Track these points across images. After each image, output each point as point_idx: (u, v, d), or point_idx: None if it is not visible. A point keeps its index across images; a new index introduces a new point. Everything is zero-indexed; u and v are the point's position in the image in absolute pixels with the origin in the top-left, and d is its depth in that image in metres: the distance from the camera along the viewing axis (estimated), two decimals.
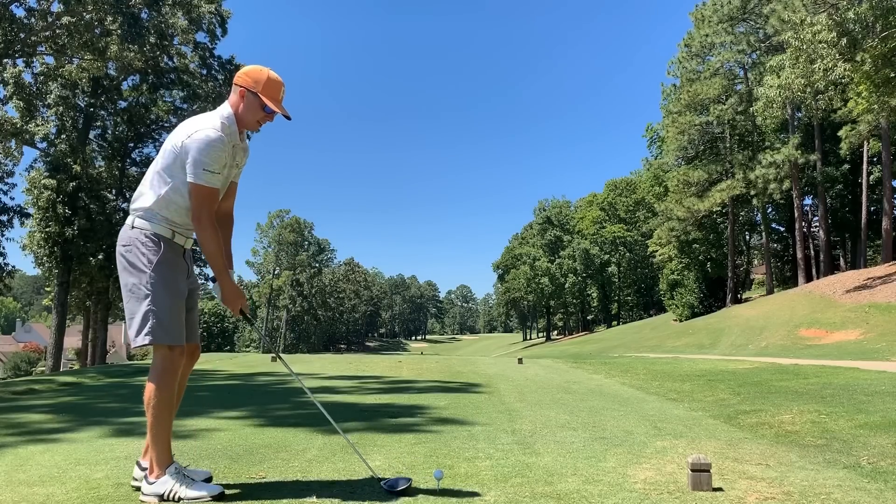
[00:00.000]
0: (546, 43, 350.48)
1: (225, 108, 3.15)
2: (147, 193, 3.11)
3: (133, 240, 3.09)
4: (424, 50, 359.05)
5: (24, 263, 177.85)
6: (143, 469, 3.20)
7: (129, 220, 3.16)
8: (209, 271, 3.27)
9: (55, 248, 30.25)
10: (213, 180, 3.03)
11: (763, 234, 50.39)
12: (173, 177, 3.05)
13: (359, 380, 9.74)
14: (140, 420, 3.20)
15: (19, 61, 26.53)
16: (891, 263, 33.24)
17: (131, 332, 3.07)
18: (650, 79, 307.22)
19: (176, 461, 3.09)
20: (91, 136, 33.97)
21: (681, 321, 48.04)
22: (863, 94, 27.00)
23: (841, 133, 35.49)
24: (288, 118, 3.21)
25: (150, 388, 3.04)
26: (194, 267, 3.44)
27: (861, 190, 41.68)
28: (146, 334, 2.99)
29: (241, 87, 3.13)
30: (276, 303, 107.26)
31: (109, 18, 25.74)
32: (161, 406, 3.02)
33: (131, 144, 35.72)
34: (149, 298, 3.01)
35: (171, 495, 2.96)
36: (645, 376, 10.22)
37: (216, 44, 34.18)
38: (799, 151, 39.04)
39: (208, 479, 3.25)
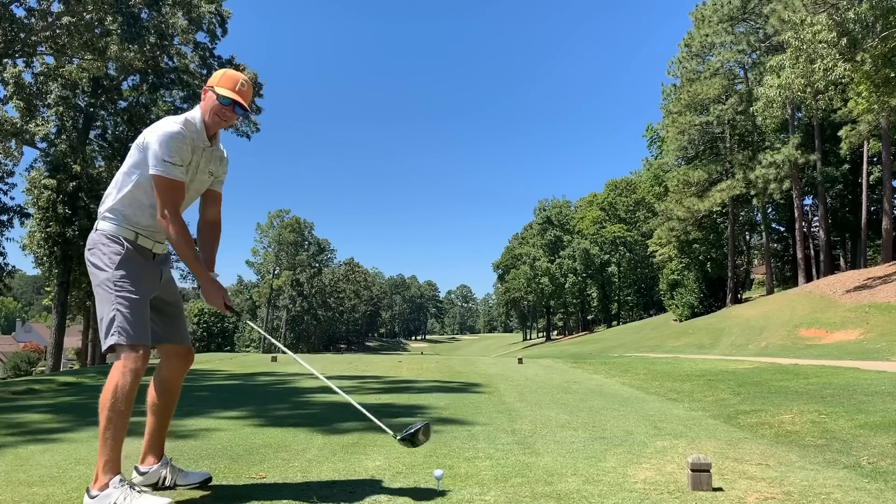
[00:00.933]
0: (545, 44, 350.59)
1: (195, 111, 3.18)
2: (112, 194, 3.10)
3: (96, 242, 3.06)
4: (425, 51, 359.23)
5: (24, 263, 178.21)
6: (142, 474, 3.17)
7: (95, 224, 3.14)
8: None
9: (55, 248, 30.26)
10: (174, 171, 2.99)
11: (763, 234, 50.39)
12: (138, 174, 3.04)
13: (359, 380, 9.74)
14: (139, 420, 3.17)
15: (19, 61, 26.55)
16: (891, 263, 33.24)
17: (101, 334, 2.99)
18: (650, 79, 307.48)
19: (122, 473, 2.88)
20: (91, 136, 33.97)
21: (681, 321, 48.04)
22: (863, 94, 26.99)
23: (841, 133, 35.48)
24: (243, 107, 3.13)
25: (108, 389, 2.85)
26: (169, 271, 3.34)
27: (861, 190, 41.68)
28: (111, 334, 2.90)
29: (204, 89, 3.19)
30: (276, 303, 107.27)
31: (109, 18, 25.75)
32: (117, 408, 2.83)
33: (131, 144, 35.69)
34: (111, 298, 2.94)
35: None
36: (645, 376, 10.22)
37: (216, 44, 34.20)
38: (799, 151, 39.04)
39: (207, 480, 3.24)
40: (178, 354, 3.26)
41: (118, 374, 2.87)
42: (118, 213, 3.07)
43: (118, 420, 2.84)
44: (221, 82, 3.13)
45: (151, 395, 3.23)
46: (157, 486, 3.17)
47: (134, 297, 2.97)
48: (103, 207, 3.12)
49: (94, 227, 3.11)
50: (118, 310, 2.92)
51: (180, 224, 3.03)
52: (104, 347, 2.99)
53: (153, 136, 3.00)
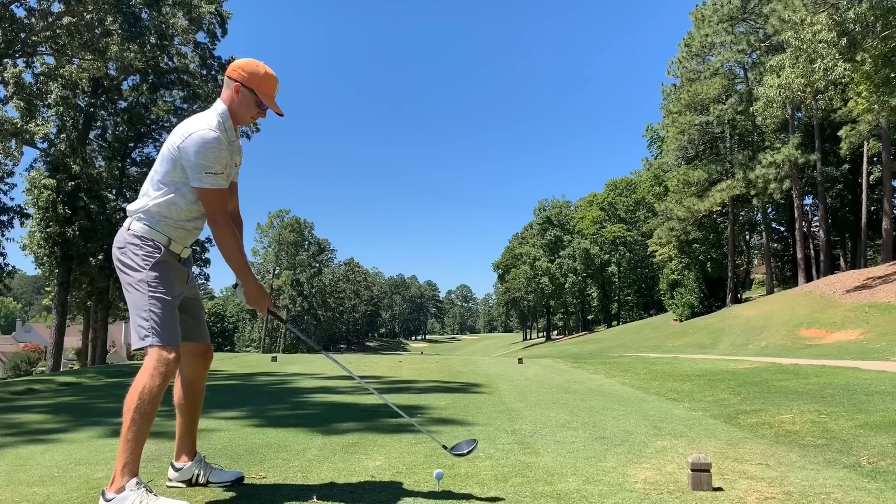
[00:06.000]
0: (546, 41, 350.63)
1: (220, 105, 3.04)
2: (145, 198, 3.03)
3: (127, 242, 3.00)
4: (425, 47, 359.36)
5: (24, 263, 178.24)
6: (178, 470, 3.22)
7: (126, 223, 3.06)
8: (207, 270, 3.24)
9: (55, 248, 30.22)
10: (218, 181, 2.94)
11: (763, 234, 50.39)
12: (173, 183, 2.96)
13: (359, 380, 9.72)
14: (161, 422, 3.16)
15: (20, 61, 26.54)
16: (891, 263, 33.23)
17: (132, 335, 2.96)
18: (650, 79, 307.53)
19: (139, 476, 2.79)
20: (91, 136, 33.98)
21: (681, 321, 48.04)
22: (863, 94, 26.98)
23: (841, 133, 35.47)
24: (281, 115, 3.12)
25: (134, 390, 2.79)
26: (193, 268, 3.37)
27: (861, 190, 41.69)
28: (143, 337, 2.86)
29: (235, 81, 3.02)
30: (276, 303, 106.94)
31: (109, 18, 25.76)
32: (142, 410, 2.77)
33: (131, 144, 35.72)
34: (145, 299, 2.89)
35: None
36: (645, 376, 10.21)
37: (216, 44, 34.26)
38: (799, 151, 39.05)
39: (240, 479, 3.26)
40: (199, 353, 3.26)
41: (147, 375, 2.82)
42: (153, 217, 3.00)
43: (142, 422, 2.78)
44: (262, 86, 3.03)
45: (177, 395, 3.24)
46: (190, 483, 3.22)
47: (167, 298, 2.93)
48: (136, 207, 3.05)
49: (126, 227, 3.04)
50: (152, 311, 2.88)
51: (231, 229, 3.03)
52: (134, 347, 2.96)
53: (189, 144, 2.89)
